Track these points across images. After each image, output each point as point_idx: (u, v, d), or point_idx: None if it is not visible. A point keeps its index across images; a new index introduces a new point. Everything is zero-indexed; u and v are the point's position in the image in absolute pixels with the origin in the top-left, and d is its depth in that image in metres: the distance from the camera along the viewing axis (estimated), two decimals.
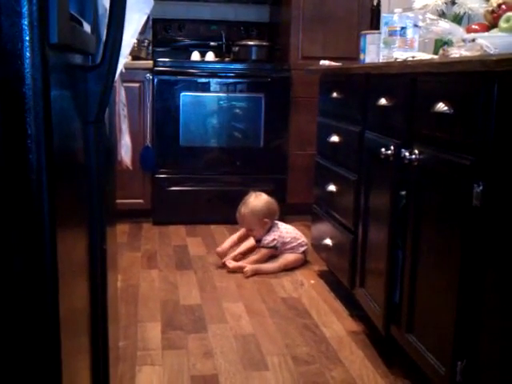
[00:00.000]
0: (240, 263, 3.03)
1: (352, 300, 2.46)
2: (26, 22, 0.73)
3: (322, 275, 2.99)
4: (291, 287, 2.83)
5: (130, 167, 3.25)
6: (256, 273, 2.97)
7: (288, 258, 3.09)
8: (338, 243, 2.60)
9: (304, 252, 3.14)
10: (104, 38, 1.15)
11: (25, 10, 0.73)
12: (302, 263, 3.13)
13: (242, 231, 3.23)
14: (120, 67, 1.45)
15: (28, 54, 0.73)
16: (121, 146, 2.64)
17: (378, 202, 2.13)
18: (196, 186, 3.88)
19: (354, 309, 2.50)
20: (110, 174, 1.62)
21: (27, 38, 0.73)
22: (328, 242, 2.70)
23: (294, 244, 3.13)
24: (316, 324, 2.42)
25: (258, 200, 3.13)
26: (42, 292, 0.80)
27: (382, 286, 2.01)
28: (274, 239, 3.09)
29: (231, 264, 3.01)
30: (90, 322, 1.20)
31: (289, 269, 3.06)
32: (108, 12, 1.13)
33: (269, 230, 3.13)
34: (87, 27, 1.14)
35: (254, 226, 3.12)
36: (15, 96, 0.73)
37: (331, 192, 2.66)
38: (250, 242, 3.21)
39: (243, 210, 3.12)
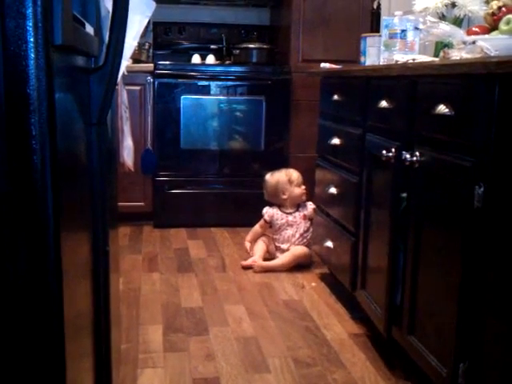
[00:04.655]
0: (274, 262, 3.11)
1: (353, 302, 2.46)
2: (30, 24, 0.73)
3: (323, 278, 2.99)
4: (292, 290, 2.83)
5: (132, 169, 3.25)
6: (266, 270, 3.02)
7: (297, 251, 3.12)
8: (339, 245, 2.60)
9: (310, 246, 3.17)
10: (106, 40, 1.15)
11: (29, 11, 0.73)
12: (309, 262, 3.15)
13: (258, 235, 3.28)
14: (122, 69, 1.45)
15: (32, 55, 0.74)
16: (123, 148, 2.64)
17: (379, 204, 2.13)
18: (197, 189, 3.88)
19: (356, 311, 2.49)
20: (112, 175, 1.63)
21: (31, 40, 0.73)
22: (329, 244, 2.70)
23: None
24: (317, 326, 2.41)
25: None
26: (46, 293, 0.80)
27: (383, 288, 2.01)
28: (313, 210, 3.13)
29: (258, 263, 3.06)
30: (94, 324, 1.20)
31: (295, 266, 3.08)
32: (111, 14, 1.13)
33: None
34: (90, 29, 1.14)
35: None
36: (20, 97, 0.74)
37: (332, 194, 2.66)
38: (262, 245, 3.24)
39: (294, 173, 3.28)
